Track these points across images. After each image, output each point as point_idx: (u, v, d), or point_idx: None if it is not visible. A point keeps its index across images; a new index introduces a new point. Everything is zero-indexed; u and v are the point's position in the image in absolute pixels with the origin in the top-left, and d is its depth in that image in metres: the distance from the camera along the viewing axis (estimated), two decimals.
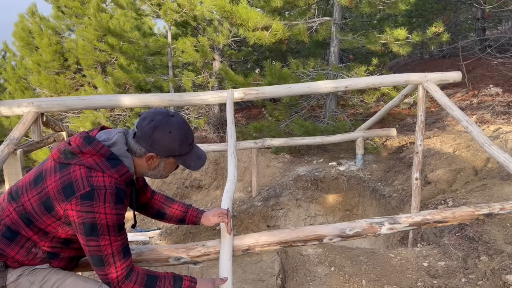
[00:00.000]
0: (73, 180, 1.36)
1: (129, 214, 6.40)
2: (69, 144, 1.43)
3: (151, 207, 1.82)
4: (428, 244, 3.48)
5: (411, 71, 9.49)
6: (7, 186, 3.01)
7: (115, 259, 1.40)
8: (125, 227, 1.47)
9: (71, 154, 1.41)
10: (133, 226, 1.75)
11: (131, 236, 5.46)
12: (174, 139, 1.45)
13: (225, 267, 1.71)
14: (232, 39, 8.35)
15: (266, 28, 6.13)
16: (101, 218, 1.35)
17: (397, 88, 6.42)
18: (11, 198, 1.45)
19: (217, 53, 8.66)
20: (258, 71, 8.24)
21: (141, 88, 8.80)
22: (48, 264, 1.49)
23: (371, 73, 6.90)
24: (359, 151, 5.88)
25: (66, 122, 9.60)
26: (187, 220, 1.83)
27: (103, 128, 1.54)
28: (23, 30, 10.75)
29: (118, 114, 9.86)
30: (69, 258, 1.54)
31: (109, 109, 9.63)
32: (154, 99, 3.59)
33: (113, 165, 1.41)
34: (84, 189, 1.35)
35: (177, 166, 1.60)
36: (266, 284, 4.29)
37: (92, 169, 1.38)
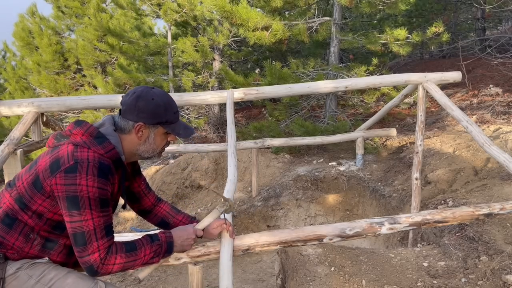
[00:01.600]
0: (60, 156, 1.42)
1: (129, 214, 6.40)
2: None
3: (156, 214, 1.85)
4: (428, 244, 3.48)
5: (411, 71, 9.50)
6: None
7: (97, 236, 1.41)
8: (110, 207, 1.48)
9: (63, 138, 1.49)
10: (124, 207, 1.76)
11: (131, 236, 5.46)
12: (158, 104, 1.52)
13: (225, 267, 1.71)
14: (232, 39, 8.35)
15: (266, 28, 6.13)
16: (83, 191, 1.37)
17: (397, 88, 6.42)
18: (8, 186, 1.52)
19: (217, 53, 8.66)
20: (258, 71, 8.22)
21: None
22: (47, 258, 1.51)
23: (371, 73, 6.90)
24: (359, 151, 5.88)
25: (66, 122, 9.60)
26: None
27: None
28: (23, 30, 10.77)
29: None
30: (67, 248, 1.54)
31: (109, 109, 9.63)
32: None
33: (99, 142, 1.46)
34: (68, 163, 1.39)
35: (168, 143, 1.63)
36: (266, 284, 4.28)
37: (79, 146, 1.44)
